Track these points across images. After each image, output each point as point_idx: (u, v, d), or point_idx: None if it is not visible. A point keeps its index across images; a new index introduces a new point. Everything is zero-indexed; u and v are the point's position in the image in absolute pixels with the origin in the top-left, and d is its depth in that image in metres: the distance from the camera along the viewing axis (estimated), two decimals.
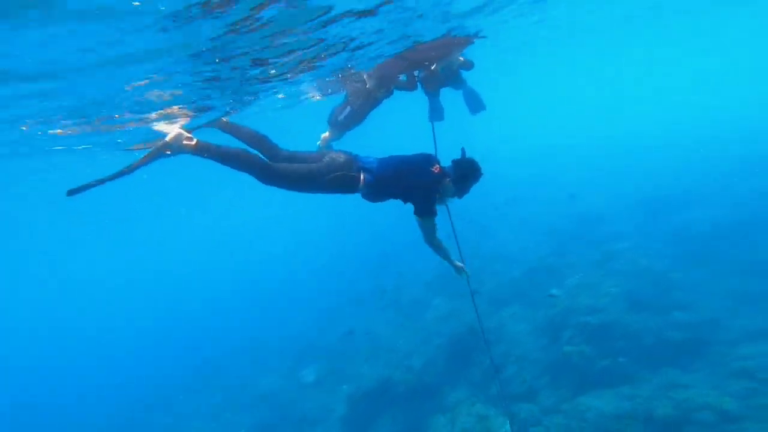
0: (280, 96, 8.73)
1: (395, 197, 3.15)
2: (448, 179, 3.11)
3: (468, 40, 7.29)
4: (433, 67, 6.42)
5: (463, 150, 3.19)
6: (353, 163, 3.00)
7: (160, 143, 2.68)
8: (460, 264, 3.54)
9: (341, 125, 5.92)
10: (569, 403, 6.70)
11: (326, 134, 6.05)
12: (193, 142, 2.72)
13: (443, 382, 8.87)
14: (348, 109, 5.82)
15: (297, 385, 11.07)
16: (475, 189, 3.36)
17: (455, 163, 3.16)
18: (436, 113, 6.80)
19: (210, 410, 11.59)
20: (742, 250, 10.25)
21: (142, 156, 2.66)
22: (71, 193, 2.57)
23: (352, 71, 7.20)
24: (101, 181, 2.62)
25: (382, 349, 10.82)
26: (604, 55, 27.62)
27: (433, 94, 6.61)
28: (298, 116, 13.32)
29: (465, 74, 7.01)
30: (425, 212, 3.09)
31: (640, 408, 5.82)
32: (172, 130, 2.68)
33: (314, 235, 26.33)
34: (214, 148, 2.73)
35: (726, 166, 14.46)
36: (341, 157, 2.98)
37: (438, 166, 3.13)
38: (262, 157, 2.88)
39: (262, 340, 14.60)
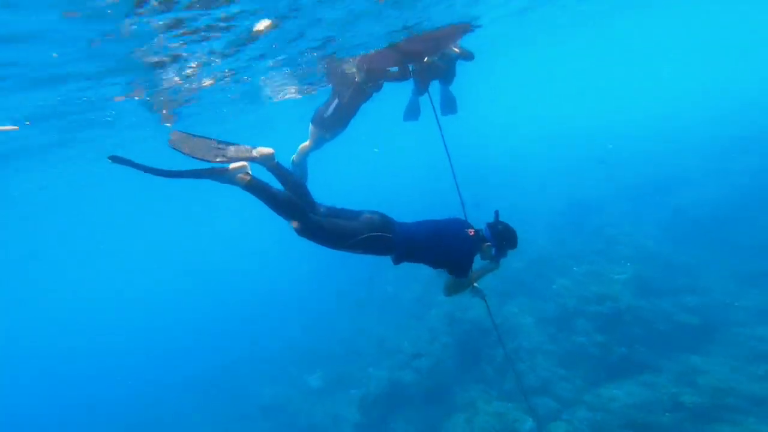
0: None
1: (426, 262, 3.11)
2: (487, 243, 3.13)
3: (466, 27, 7.07)
4: (426, 59, 6.10)
5: (496, 213, 3.22)
6: (389, 225, 3.00)
7: (218, 168, 2.68)
8: (476, 286, 3.43)
9: (327, 123, 5.46)
10: (590, 394, 6.55)
11: (305, 143, 5.53)
12: (248, 178, 2.72)
13: (455, 381, 8.66)
14: (335, 102, 5.45)
15: (304, 392, 10.74)
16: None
17: (491, 227, 3.16)
18: (412, 113, 6.48)
19: (219, 423, 11.20)
20: (742, 230, 10.32)
21: (195, 170, 2.66)
22: (114, 159, 2.48)
23: (338, 61, 6.93)
24: (147, 169, 2.54)
25: (388, 351, 10.57)
26: (592, 41, 27.80)
27: (420, 90, 6.17)
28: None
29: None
30: (462, 275, 3.12)
31: (665, 396, 5.70)
32: (239, 161, 2.72)
33: (292, 241, 25.79)
34: (266, 188, 2.75)
35: (719, 147, 14.59)
36: (377, 217, 3.00)
37: (472, 229, 3.15)
38: (305, 209, 2.87)
39: (262, 349, 14.18)
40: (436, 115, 5.33)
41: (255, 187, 2.72)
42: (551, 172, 19.34)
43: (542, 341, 8.70)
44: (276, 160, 2.94)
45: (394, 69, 5.98)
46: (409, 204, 19.78)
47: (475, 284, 3.38)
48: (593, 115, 30.58)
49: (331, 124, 5.50)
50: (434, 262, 3.09)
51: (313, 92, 10.38)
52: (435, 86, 6.57)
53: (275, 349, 13.79)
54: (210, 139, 2.73)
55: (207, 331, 17.34)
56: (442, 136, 4.95)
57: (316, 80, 9.13)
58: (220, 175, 2.66)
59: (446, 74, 6.26)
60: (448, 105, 6.60)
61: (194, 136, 2.72)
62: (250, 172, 2.75)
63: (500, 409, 6.95)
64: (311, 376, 11.04)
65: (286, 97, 10.77)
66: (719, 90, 24.30)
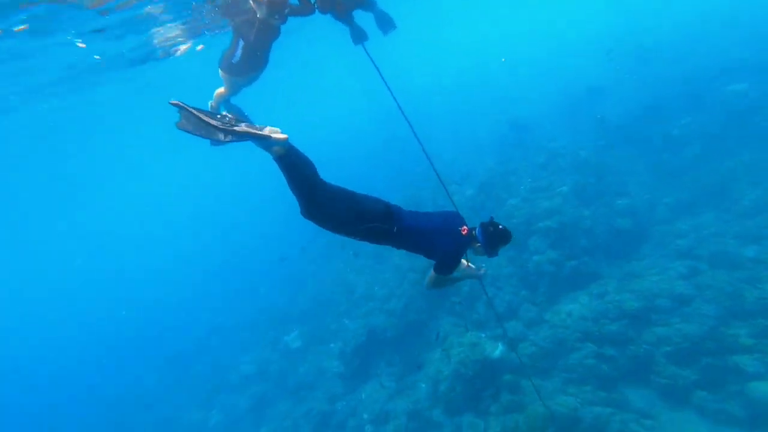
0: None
1: (418, 252, 3.11)
2: (478, 244, 3.10)
3: None
4: None
5: (491, 218, 3.18)
6: (390, 215, 2.98)
7: (261, 134, 2.61)
8: (478, 272, 3.41)
9: (238, 68, 5.16)
10: (549, 312, 7.29)
11: (220, 89, 5.32)
12: (283, 151, 2.68)
13: (427, 318, 9.23)
14: (241, 43, 5.06)
15: (285, 353, 10.98)
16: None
17: (484, 228, 3.09)
18: (358, 35, 5.81)
19: (205, 396, 11.35)
20: (654, 130, 11.23)
21: (248, 129, 2.59)
22: (177, 105, 2.47)
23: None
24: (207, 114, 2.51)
25: (360, 299, 10.86)
26: None
27: (346, 20, 5.61)
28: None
29: None
30: (446, 272, 3.12)
31: (611, 305, 6.47)
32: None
33: (253, 203, 24.36)
34: (298, 158, 2.73)
35: (629, 59, 15.19)
36: (380, 207, 2.98)
37: (465, 227, 3.14)
38: (316, 194, 2.83)
39: (233, 319, 14.03)
40: (378, 70, 4.68)
41: (285, 161, 2.70)
42: (490, 100, 19.25)
43: (501, 264, 9.30)
44: (289, 144, 2.80)
45: (296, 2, 5.29)
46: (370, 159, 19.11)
47: (483, 269, 3.44)
48: (517, 42, 29.88)
49: (243, 69, 5.20)
50: (424, 252, 3.16)
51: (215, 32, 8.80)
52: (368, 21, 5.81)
53: (247, 317, 13.71)
54: (217, 116, 2.61)
55: (179, 306, 16.74)
56: (374, 64, 4.57)
57: (214, 25, 7.73)
58: (261, 140, 2.63)
59: (364, 2, 5.68)
60: (385, 23, 6.23)
61: (201, 112, 2.57)
62: (286, 146, 2.70)
63: (473, 339, 7.56)
64: (289, 336, 11.20)
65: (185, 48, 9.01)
66: (622, 7, 24.61)
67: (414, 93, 23.11)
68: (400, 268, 10.94)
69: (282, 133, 2.66)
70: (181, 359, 13.60)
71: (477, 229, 3.09)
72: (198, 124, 2.58)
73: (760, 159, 8.41)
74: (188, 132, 2.64)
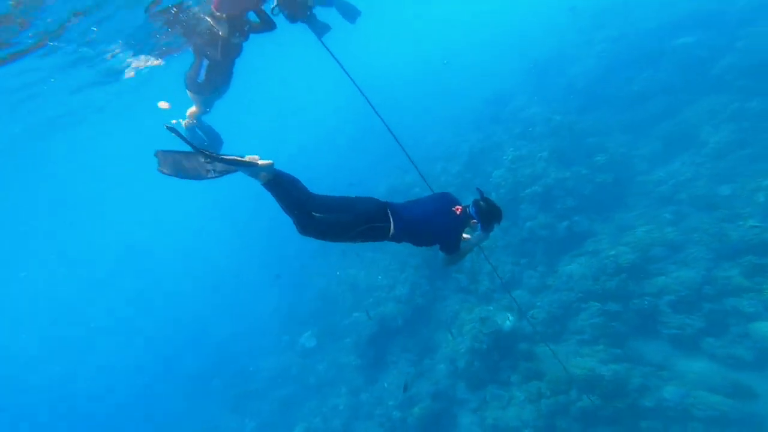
0: None
1: (422, 244, 3.17)
2: (473, 221, 3.20)
3: None
4: None
5: (480, 192, 3.28)
6: (384, 211, 3.00)
7: (247, 162, 2.67)
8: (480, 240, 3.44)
9: (206, 87, 5.15)
10: (552, 277, 7.59)
11: (192, 108, 5.31)
12: (269, 177, 2.75)
13: (434, 298, 9.48)
14: (204, 63, 5.07)
15: (302, 354, 11.19)
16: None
17: (476, 205, 3.19)
18: (321, 29, 5.78)
19: (233, 404, 11.54)
20: (617, 88, 11.52)
21: (230, 159, 2.62)
22: (171, 131, 2.43)
23: (191, 18, 5.72)
24: (194, 147, 2.50)
25: (365, 291, 11.03)
26: None
27: (308, 20, 5.47)
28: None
29: None
30: (453, 250, 3.21)
31: (608, 261, 6.77)
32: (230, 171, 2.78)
33: (244, 215, 24.12)
34: (285, 180, 2.81)
35: (583, 24, 15.30)
36: (372, 206, 3.01)
37: (459, 206, 3.21)
38: (309, 210, 2.88)
39: (246, 328, 14.15)
40: (340, 64, 4.68)
41: (273, 186, 2.79)
42: (462, 80, 19.14)
43: (497, 236, 9.57)
44: (274, 169, 2.88)
45: (256, 20, 5.26)
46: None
47: (478, 233, 3.49)
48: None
49: (209, 86, 5.19)
50: (427, 242, 3.22)
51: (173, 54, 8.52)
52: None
53: (260, 323, 13.81)
54: (197, 152, 2.59)
55: (192, 323, 16.70)
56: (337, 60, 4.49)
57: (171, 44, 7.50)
58: (246, 168, 2.69)
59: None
60: (349, 13, 6.26)
61: (179, 153, 2.61)
62: (272, 170, 2.78)
63: (482, 313, 7.84)
64: (303, 337, 11.37)
65: (146, 64, 8.65)
66: None
67: (390, 81, 22.93)
68: (399, 254, 11.11)
69: (263, 159, 2.72)
70: (203, 373, 13.73)
71: (470, 207, 3.19)
72: (179, 165, 2.60)
73: (717, 104, 8.78)
74: (171, 175, 2.63)
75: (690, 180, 7.67)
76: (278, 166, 2.88)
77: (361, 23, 6.63)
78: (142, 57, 8.11)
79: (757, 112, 7.96)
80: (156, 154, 2.61)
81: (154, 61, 8.53)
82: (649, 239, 6.65)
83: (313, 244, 13.93)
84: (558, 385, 5.25)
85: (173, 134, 2.43)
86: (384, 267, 11.18)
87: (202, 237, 26.38)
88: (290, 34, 5.98)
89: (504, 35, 21.48)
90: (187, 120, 5.45)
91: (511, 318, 7.33)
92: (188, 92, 5.25)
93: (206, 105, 5.40)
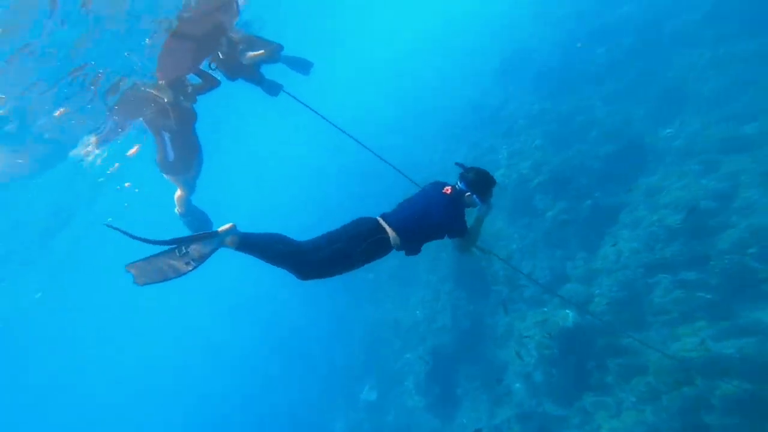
0: None
1: (431, 239, 3.08)
2: (468, 194, 3.10)
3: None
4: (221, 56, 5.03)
5: (461, 165, 3.23)
6: (376, 222, 2.93)
7: (209, 233, 2.64)
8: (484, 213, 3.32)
9: (180, 164, 4.96)
10: (595, 261, 7.19)
11: (178, 193, 5.10)
12: (237, 239, 2.67)
13: (480, 316, 8.98)
14: (166, 137, 4.89)
15: (366, 409, 10.65)
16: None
17: (463, 177, 3.13)
18: (272, 88, 5.65)
19: None
20: (587, 63, 11.68)
21: (190, 237, 2.61)
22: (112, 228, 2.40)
23: (136, 92, 5.50)
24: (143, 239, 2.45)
25: (407, 329, 10.53)
26: None
27: (256, 80, 5.34)
28: None
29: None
30: (460, 233, 3.12)
31: (653, 227, 6.44)
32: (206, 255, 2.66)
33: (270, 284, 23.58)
34: (257, 245, 2.72)
35: (547, 21, 15.70)
36: (362, 224, 2.92)
37: (448, 186, 3.15)
38: (297, 256, 2.76)
39: (302, 395, 13.51)
40: (309, 107, 4.61)
41: (246, 246, 2.71)
42: (436, 91, 19.34)
43: (522, 235, 9.23)
44: (239, 230, 2.79)
45: (198, 81, 5.14)
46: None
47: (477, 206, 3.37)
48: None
49: (183, 162, 5.02)
50: (435, 236, 3.14)
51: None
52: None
53: (316, 386, 13.19)
54: (168, 249, 2.54)
55: (247, 399, 16.05)
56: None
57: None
58: (212, 239, 2.62)
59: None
60: (300, 66, 6.08)
61: (151, 258, 2.53)
62: (237, 233, 2.70)
63: (537, 317, 7.38)
64: (363, 391, 10.98)
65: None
66: None
67: (365, 109, 22.91)
68: (430, 283, 10.68)
69: (224, 225, 2.65)
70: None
71: (459, 183, 3.11)
72: (153, 269, 2.49)
73: (691, 58, 8.98)
74: (151, 283, 2.51)
75: (703, 128, 7.53)
76: (252, 227, 2.80)
77: (316, 71, 6.38)
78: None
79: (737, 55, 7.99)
80: (127, 269, 2.50)
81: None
82: (690, 195, 6.36)
83: (344, 295, 13.63)
84: (671, 375, 4.66)
85: (119, 232, 2.36)
86: (418, 301, 10.70)
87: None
88: (253, 90, 5.78)
89: (463, 43, 21.84)
90: (177, 208, 5.22)
91: (571, 315, 6.87)
92: (165, 176, 5.11)
93: (189, 185, 5.22)
